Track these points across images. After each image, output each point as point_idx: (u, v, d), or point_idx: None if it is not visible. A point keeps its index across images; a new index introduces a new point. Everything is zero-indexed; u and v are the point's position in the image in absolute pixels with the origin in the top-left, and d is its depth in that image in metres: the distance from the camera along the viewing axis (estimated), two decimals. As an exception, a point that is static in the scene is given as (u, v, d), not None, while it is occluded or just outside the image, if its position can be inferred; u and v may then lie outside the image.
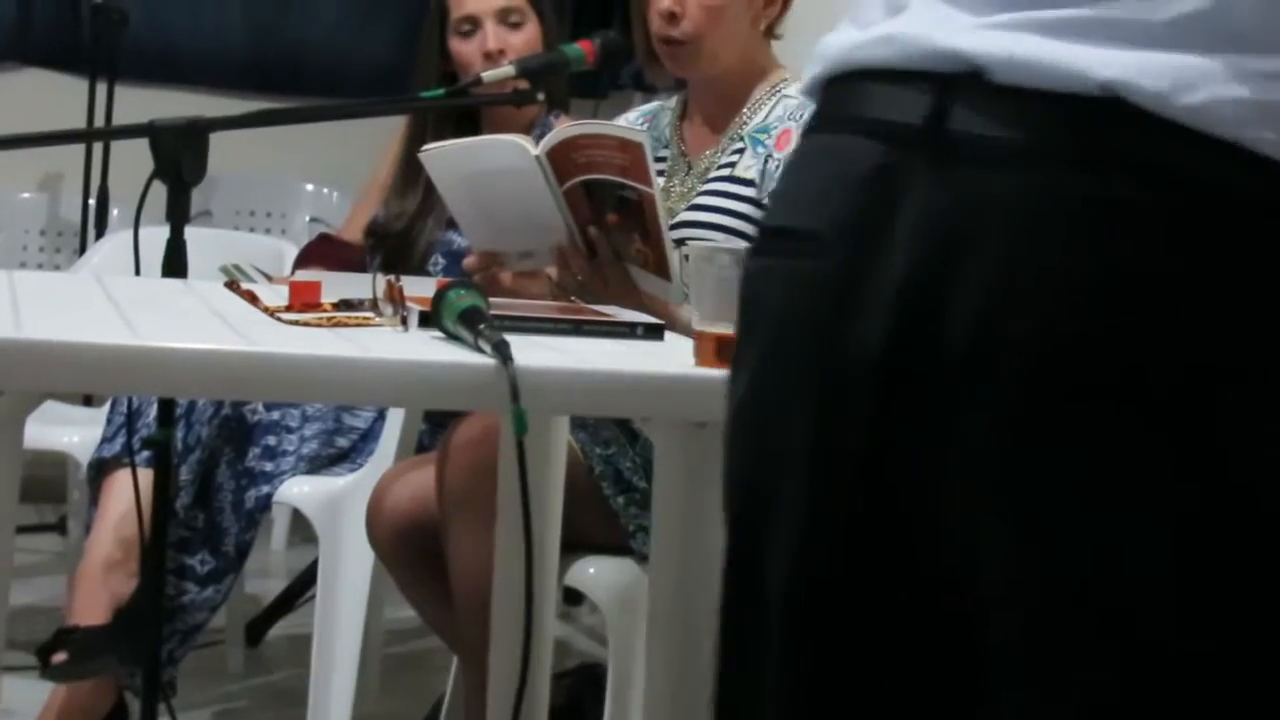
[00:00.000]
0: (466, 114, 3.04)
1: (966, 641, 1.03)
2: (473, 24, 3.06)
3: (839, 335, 1.04)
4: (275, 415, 2.93)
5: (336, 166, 4.80)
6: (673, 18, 2.53)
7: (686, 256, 1.79)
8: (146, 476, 2.28)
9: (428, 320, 1.71)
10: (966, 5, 1.03)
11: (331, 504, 2.88)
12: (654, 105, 2.76)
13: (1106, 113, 0.96)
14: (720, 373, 1.60)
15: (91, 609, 2.78)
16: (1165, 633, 0.96)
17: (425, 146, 2.41)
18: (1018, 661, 1.00)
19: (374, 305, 1.87)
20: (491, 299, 1.76)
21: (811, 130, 1.13)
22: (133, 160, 2.60)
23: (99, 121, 4.60)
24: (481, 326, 1.59)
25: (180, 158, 2.15)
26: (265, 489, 2.88)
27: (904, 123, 1.03)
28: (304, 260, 3.14)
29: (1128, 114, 0.95)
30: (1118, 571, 0.96)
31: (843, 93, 1.09)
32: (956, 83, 1.01)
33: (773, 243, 1.14)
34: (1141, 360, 0.95)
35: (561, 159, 2.24)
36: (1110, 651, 0.97)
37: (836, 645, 1.08)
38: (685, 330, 1.79)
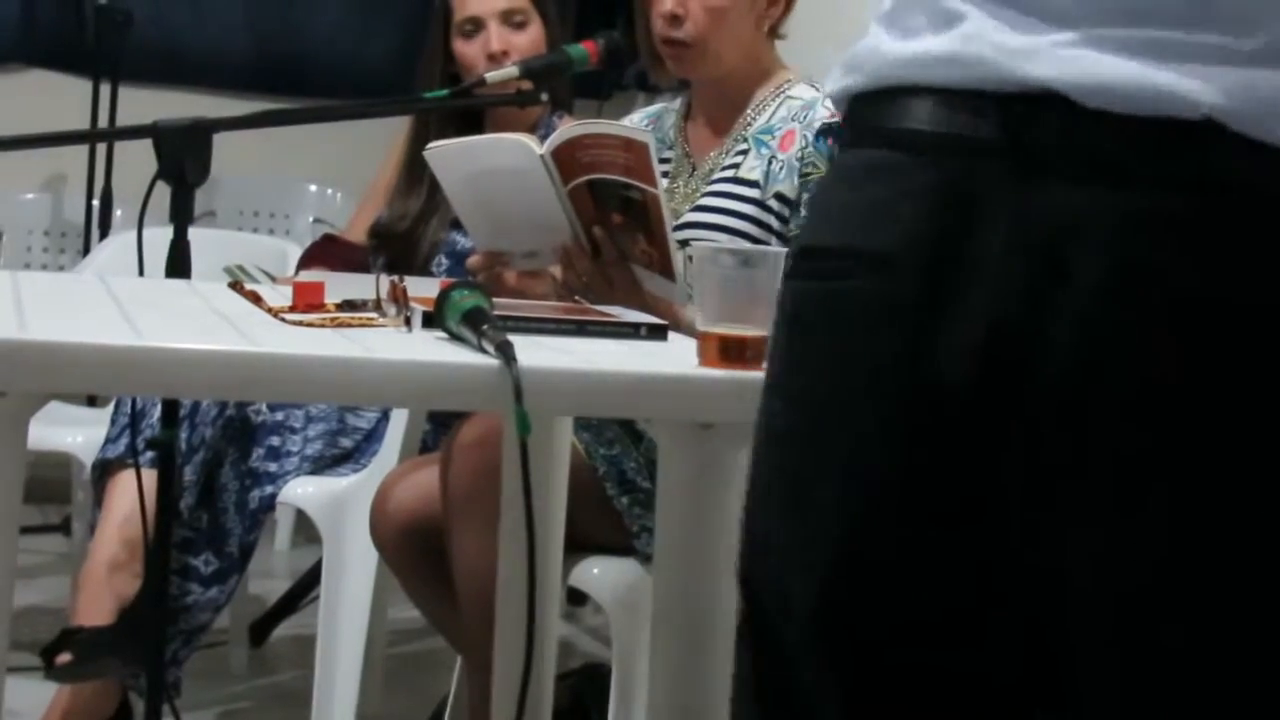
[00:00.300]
0: (470, 115, 3.04)
1: (1047, 650, 1.02)
2: (476, 25, 3.06)
3: (920, 356, 1.02)
4: (279, 416, 2.93)
5: (340, 167, 4.79)
6: (676, 19, 2.52)
7: (690, 257, 1.79)
8: (150, 477, 2.28)
9: (431, 321, 1.71)
10: (1028, 23, 1.00)
11: (335, 504, 2.88)
12: (658, 107, 2.76)
13: (1206, 137, 0.95)
14: (724, 373, 1.60)
15: (96, 610, 2.78)
16: (1261, 653, 0.96)
17: (430, 145, 2.41)
18: (1106, 668, 1.00)
19: (378, 306, 1.87)
20: (495, 299, 1.75)
21: (850, 144, 1.09)
22: (136, 161, 2.60)
23: (103, 122, 4.60)
24: (485, 327, 1.59)
25: (184, 158, 2.15)
26: (269, 489, 2.88)
27: (979, 139, 1.01)
28: (308, 261, 3.14)
29: (1228, 139, 0.94)
30: (1214, 589, 0.96)
31: (890, 107, 1.06)
32: (1031, 103, 0.99)
33: (820, 263, 1.09)
34: (1246, 389, 0.95)
35: (566, 158, 2.24)
36: (1202, 661, 0.97)
37: (873, 664, 1.08)
38: (689, 331, 1.78)
